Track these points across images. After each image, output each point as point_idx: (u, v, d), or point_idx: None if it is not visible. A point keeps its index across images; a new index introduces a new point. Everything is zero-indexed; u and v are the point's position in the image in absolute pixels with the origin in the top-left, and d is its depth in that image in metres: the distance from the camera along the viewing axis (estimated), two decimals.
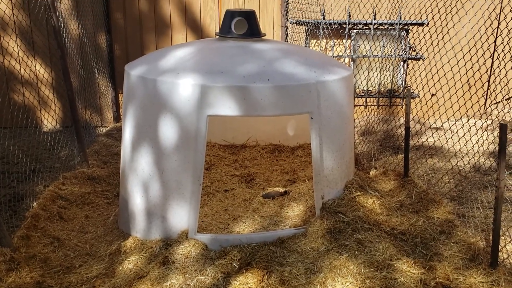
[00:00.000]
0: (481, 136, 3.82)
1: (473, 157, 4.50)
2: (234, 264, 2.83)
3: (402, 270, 2.69)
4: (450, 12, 4.60)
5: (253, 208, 3.58)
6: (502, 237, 2.94)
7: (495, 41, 5.88)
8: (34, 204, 3.73)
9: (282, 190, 3.81)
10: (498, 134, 2.59)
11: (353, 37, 6.05)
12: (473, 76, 5.07)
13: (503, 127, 2.54)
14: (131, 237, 3.33)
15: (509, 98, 6.08)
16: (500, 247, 2.79)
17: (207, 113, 2.94)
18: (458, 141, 4.01)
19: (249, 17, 3.44)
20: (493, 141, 5.10)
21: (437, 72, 4.35)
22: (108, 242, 3.41)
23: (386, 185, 3.73)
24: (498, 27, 5.61)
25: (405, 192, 3.53)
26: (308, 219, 3.25)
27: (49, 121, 6.02)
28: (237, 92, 2.89)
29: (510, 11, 4.01)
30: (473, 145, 4.51)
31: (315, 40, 6.10)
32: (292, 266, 2.81)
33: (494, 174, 4.30)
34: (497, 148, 2.58)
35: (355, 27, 5.89)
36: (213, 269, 2.81)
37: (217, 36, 3.56)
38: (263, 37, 3.53)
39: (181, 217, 3.13)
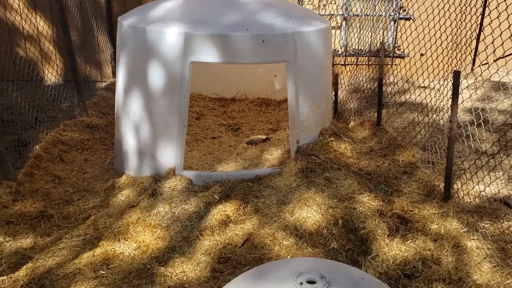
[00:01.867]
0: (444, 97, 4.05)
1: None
2: (215, 196, 3.16)
3: (363, 202, 3.01)
4: None
5: (236, 152, 3.89)
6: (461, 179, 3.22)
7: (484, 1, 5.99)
8: (37, 147, 4.06)
9: (264, 137, 4.12)
10: (452, 81, 2.84)
11: None
12: (459, 36, 5.24)
13: (455, 74, 2.79)
14: (125, 175, 3.67)
15: (498, 59, 6.24)
16: (452, 183, 3.10)
17: (191, 60, 3.20)
18: (439, 98, 4.24)
19: None
20: (477, 99, 5.34)
21: (422, 31, 4.52)
22: (104, 180, 3.76)
23: (360, 133, 4.01)
24: None
25: (376, 139, 3.82)
26: (284, 161, 3.57)
27: (52, 74, 6.29)
28: (218, 40, 3.14)
29: None
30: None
31: None
32: (266, 198, 3.14)
33: (469, 128, 4.55)
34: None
35: None
36: (196, 199, 3.15)
37: None
38: None
39: (168, 156, 3.45)
